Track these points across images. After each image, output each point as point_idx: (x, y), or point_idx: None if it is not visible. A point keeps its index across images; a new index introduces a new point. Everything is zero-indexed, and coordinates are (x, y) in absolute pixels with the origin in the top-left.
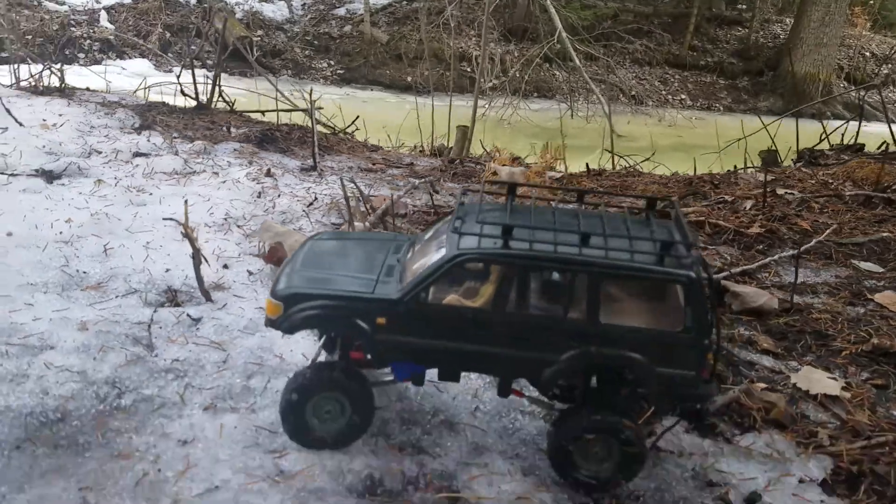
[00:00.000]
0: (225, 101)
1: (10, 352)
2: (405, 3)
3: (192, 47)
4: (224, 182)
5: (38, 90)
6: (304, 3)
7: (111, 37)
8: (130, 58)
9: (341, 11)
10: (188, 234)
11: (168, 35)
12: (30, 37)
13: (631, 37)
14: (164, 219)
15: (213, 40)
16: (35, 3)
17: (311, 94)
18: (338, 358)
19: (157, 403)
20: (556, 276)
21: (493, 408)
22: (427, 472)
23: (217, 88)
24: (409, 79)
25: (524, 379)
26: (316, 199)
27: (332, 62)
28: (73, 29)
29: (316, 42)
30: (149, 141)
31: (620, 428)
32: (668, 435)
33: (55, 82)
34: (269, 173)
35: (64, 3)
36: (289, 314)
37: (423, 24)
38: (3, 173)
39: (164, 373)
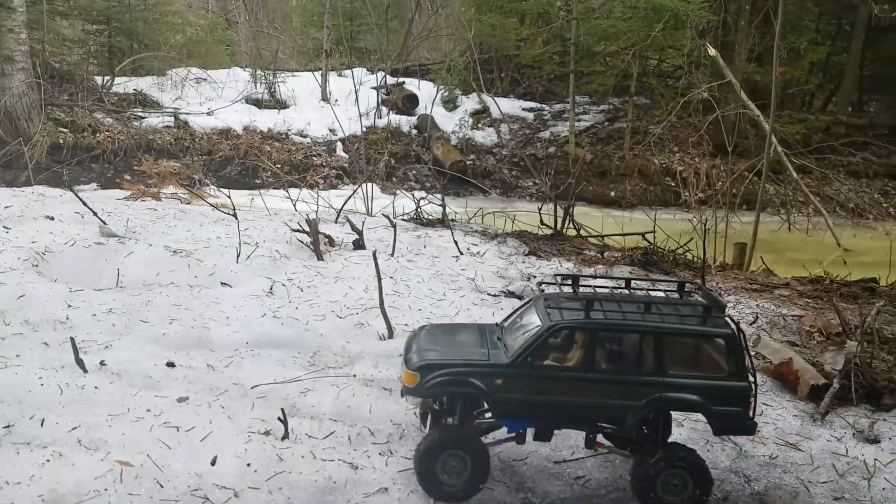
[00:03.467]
0: (575, 227)
1: None
2: (607, 124)
3: (413, 171)
4: None
5: None
6: (511, 129)
7: (346, 164)
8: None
9: (546, 135)
10: None
11: (392, 161)
12: (279, 165)
13: (851, 149)
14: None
15: (431, 164)
16: (284, 136)
17: (705, 224)
18: (457, 421)
19: None
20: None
21: None
22: None
23: (569, 217)
24: (612, 194)
25: (609, 423)
26: None
27: (536, 181)
28: (314, 158)
29: (522, 163)
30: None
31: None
32: None
33: None
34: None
35: (307, 137)
36: (425, 381)
37: (626, 142)
38: None
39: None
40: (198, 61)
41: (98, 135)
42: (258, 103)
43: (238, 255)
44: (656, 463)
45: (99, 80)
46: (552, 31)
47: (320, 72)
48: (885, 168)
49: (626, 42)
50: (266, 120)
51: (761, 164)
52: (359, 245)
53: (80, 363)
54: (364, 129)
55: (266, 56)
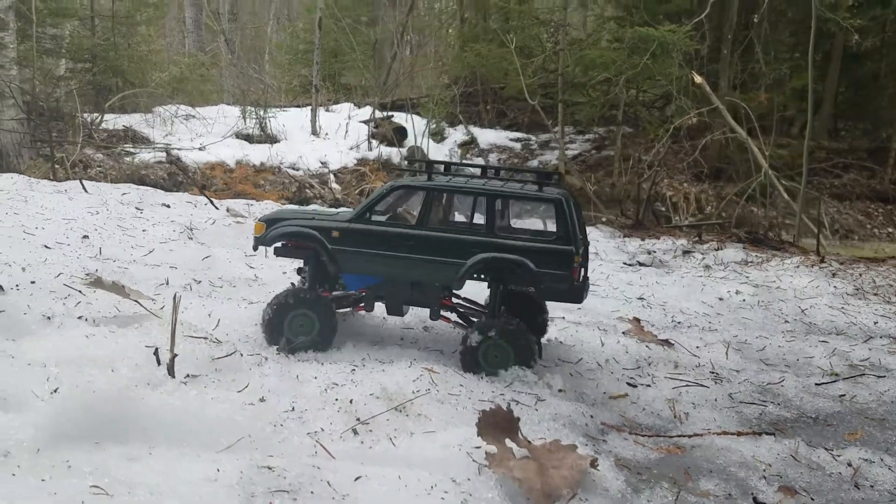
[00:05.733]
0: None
1: None
2: (594, 152)
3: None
4: None
5: None
6: (500, 159)
7: (339, 196)
8: None
9: (534, 163)
10: None
11: None
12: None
13: (838, 171)
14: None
15: None
16: (277, 169)
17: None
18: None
19: None
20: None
21: None
22: None
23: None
24: (604, 219)
25: (440, 283)
26: None
27: None
28: (307, 190)
29: None
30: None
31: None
32: None
33: None
34: None
35: (300, 170)
36: (269, 230)
37: (617, 168)
38: None
39: None
40: (185, 98)
41: (89, 170)
42: (249, 138)
43: None
44: (478, 330)
45: (87, 116)
46: (538, 63)
47: (309, 107)
48: (867, 190)
49: (615, 70)
50: (258, 154)
51: (752, 188)
52: None
53: None
54: (356, 160)
55: (252, 94)
